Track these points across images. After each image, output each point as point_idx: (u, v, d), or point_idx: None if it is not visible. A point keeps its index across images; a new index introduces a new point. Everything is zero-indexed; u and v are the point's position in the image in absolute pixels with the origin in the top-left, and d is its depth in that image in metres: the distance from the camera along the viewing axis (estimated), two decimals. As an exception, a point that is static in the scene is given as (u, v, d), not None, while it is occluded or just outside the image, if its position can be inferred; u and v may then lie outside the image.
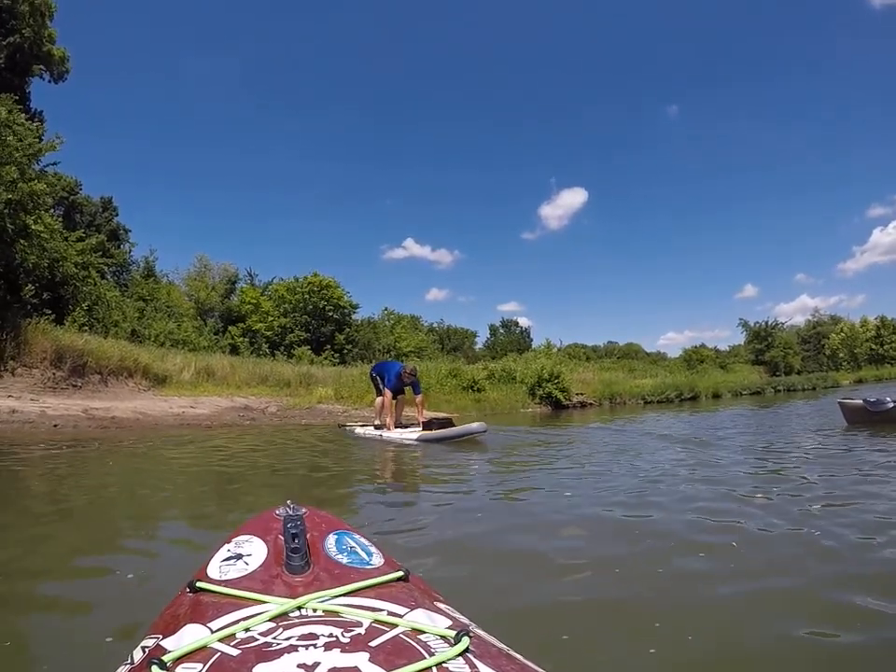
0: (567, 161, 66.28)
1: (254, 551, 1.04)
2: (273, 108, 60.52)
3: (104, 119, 47.88)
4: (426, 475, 5.40)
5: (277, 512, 1.17)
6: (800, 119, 64.70)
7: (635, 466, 5.36)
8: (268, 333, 22.52)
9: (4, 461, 5.62)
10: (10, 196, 10.43)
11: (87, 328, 13.05)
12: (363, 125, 63.50)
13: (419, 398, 8.19)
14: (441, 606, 0.92)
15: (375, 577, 0.95)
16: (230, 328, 21.81)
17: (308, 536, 1.05)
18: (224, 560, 1.02)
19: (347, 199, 61.77)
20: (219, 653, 0.70)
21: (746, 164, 67.87)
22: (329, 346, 23.83)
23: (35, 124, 12.51)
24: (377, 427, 8.17)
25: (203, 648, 0.72)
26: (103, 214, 19.19)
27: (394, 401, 8.16)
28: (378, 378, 8.32)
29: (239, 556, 1.02)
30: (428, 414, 8.71)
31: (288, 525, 1.04)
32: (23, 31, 15.47)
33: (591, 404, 16.77)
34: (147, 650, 0.77)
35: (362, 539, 1.13)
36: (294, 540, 1.00)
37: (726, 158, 66.87)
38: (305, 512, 1.16)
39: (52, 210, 14.72)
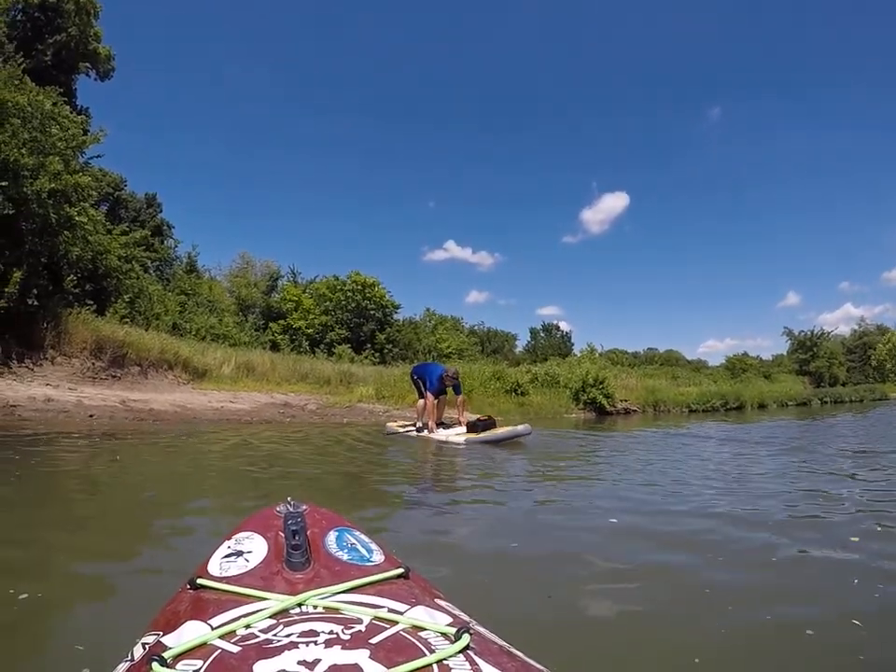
0: (608, 165, 64.83)
1: (254, 548, 1.02)
2: (317, 111, 61.35)
3: (149, 117, 49.47)
4: (465, 483, 4.96)
5: (278, 509, 1.16)
6: (847, 125, 61.86)
7: (699, 484, 4.55)
8: (309, 331, 22.44)
9: (27, 450, 5.30)
10: (54, 186, 10.35)
11: (128, 319, 12.98)
12: (407, 128, 63.67)
13: (460, 398, 8.14)
14: (442, 603, 0.90)
15: (376, 574, 0.93)
16: (270, 324, 21.80)
17: (308, 532, 1.04)
18: (225, 557, 1.00)
19: (389, 200, 61.93)
20: (220, 650, 0.69)
21: (790, 169, 65.36)
22: (369, 345, 23.73)
23: (80, 117, 12.49)
24: (419, 430, 8.07)
25: (204, 644, 0.71)
26: (147, 210, 19.33)
27: (435, 401, 8.10)
28: (420, 381, 8.24)
29: (239, 553, 1.01)
30: (470, 416, 8.49)
31: (289, 522, 1.04)
32: (69, 29, 15.65)
33: (635, 411, 16.41)
34: (147, 646, 0.77)
35: (363, 536, 1.11)
36: (295, 537, 0.99)
37: (769, 162, 64.62)
38: (306, 509, 1.15)
39: (98, 206, 14.77)
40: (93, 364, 9.88)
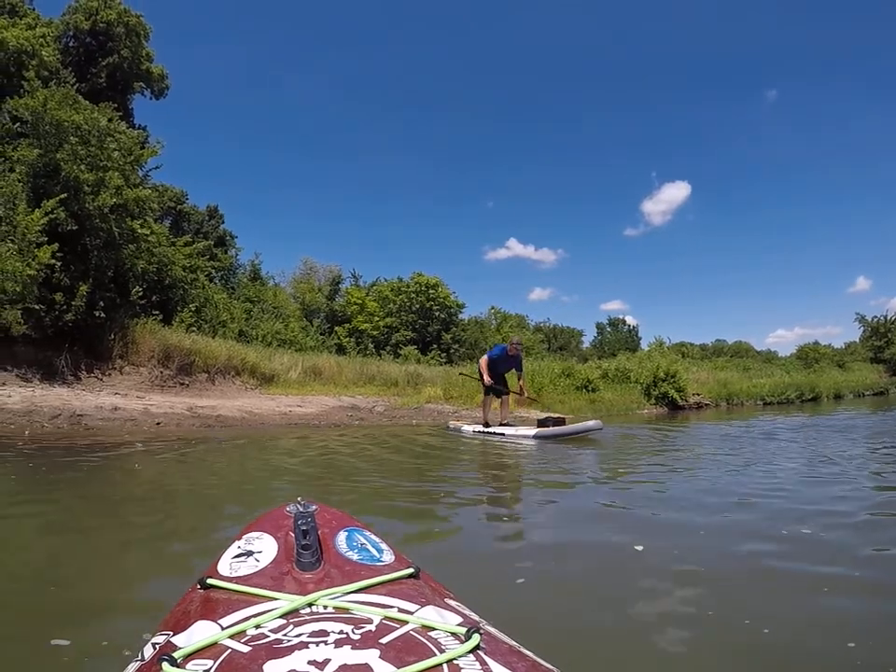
0: (668, 154, 60.83)
1: (264, 548, 1.00)
2: (373, 114, 60.87)
3: (207, 130, 49.90)
4: (533, 489, 4.51)
5: (288, 509, 1.13)
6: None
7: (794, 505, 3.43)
8: (374, 333, 22.27)
9: (87, 458, 5.00)
10: (116, 201, 10.37)
11: (195, 328, 12.99)
12: (463, 127, 62.48)
13: (521, 379, 8.11)
14: (452, 603, 0.89)
15: (386, 574, 0.92)
16: (336, 328, 21.75)
17: (319, 532, 1.02)
18: (235, 557, 0.98)
19: (448, 201, 60.66)
20: (230, 650, 0.69)
21: (850, 151, 58.51)
22: (435, 346, 23.39)
23: (136, 131, 12.60)
24: (486, 426, 8.03)
25: (214, 644, 0.70)
26: (209, 222, 19.66)
27: (499, 400, 8.23)
28: (482, 361, 8.20)
29: (250, 553, 0.98)
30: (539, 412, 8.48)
31: (299, 522, 1.02)
32: (121, 51, 16.05)
33: (707, 405, 15.69)
34: (157, 646, 0.76)
35: (373, 536, 1.09)
36: (305, 537, 0.97)
37: (830, 144, 58.31)
38: (316, 509, 1.12)
39: (161, 220, 14.98)
40: (161, 373, 9.77)
